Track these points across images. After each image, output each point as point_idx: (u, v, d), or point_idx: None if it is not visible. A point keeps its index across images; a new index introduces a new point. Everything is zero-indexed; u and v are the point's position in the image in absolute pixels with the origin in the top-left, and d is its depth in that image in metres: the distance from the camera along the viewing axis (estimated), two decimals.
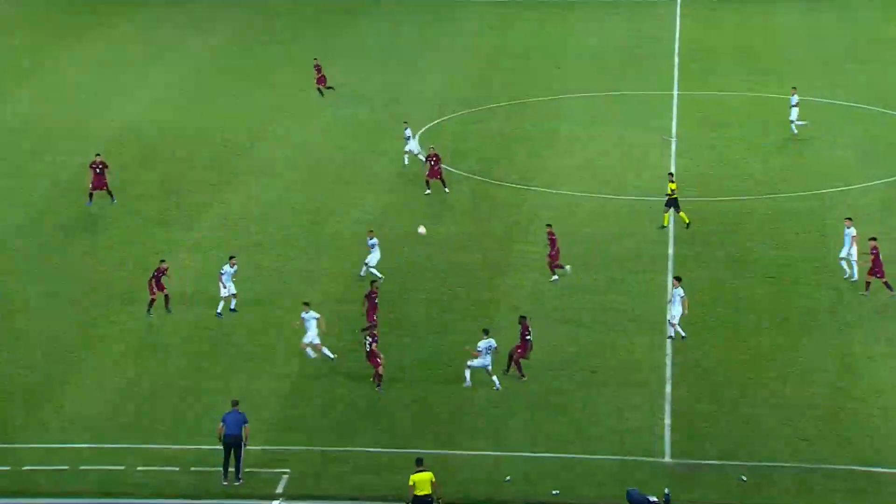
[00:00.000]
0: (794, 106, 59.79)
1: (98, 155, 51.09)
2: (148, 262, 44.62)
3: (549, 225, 45.76)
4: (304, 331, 39.23)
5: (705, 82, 69.01)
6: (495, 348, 37.81)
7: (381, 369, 38.02)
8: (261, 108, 65.37)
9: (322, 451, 34.85)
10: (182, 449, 34.58)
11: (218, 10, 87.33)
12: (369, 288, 41.62)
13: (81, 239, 48.48)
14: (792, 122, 59.86)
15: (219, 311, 42.01)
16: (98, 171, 50.26)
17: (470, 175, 55.75)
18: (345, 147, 59.63)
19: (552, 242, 45.14)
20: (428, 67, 73.14)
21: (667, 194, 49.49)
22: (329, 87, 65.58)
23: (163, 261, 42.99)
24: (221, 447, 33.15)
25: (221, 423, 33.31)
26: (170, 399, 37.32)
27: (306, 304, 39.84)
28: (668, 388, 38.04)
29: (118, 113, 63.60)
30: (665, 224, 49.32)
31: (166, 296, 42.17)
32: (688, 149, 58.90)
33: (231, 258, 42.90)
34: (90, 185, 50.33)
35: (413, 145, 56.42)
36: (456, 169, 56.53)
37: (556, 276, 45.01)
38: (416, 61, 74.52)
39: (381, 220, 50.38)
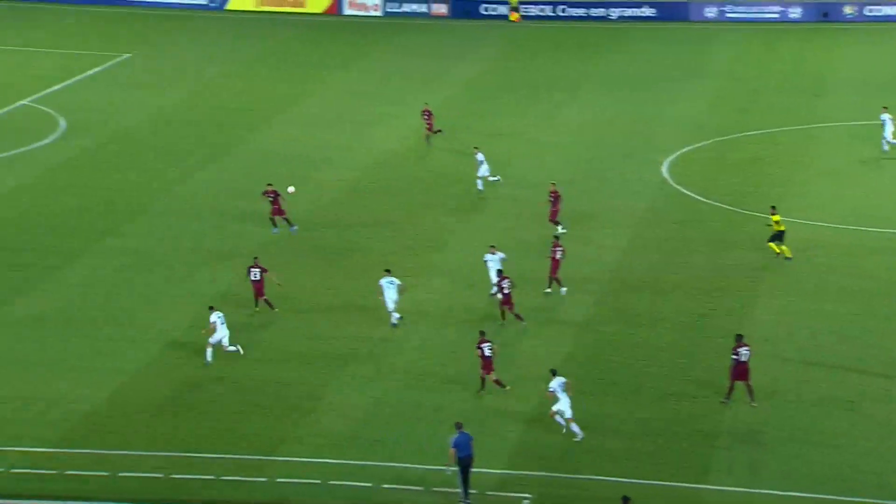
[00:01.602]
0: (887, 124, 59.88)
1: (270, 185, 52.70)
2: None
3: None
4: (212, 332, 40.95)
5: None
6: (566, 382, 36.85)
7: (493, 374, 38.69)
8: (514, 133, 66.41)
9: (564, 477, 35.04)
10: (427, 469, 35.24)
11: (473, 41, 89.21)
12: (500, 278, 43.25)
13: (338, 260, 49.94)
14: (885, 139, 59.76)
15: (393, 321, 43.47)
16: (271, 199, 51.92)
17: (722, 205, 55.25)
18: (591, 174, 60.05)
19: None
20: (682, 94, 72.85)
21: (768, 225, 48.91)
22: (437, 131, 63.81)
23: (256, 258, 44.93)
24: (455, 469, 33.78)
25: (453, 448, 33.88)
26: (416, 419, 38.15)
27: (211, 307, 41.72)
28: None
29: (376, 140, 65.31)
30: (780, 253, 48.54)
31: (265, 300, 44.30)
32: None
33: (387, 271, 43.93)
34: (270, 212, 52.02)
35: (484, 170, 56.52)
36: (707, 199, 56.14)
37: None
38: (670, 87, 74.36)
39: (624, 258, 50.58)
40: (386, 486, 34.75)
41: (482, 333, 39.71)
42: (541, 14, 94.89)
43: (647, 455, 36.09)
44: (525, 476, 35.18)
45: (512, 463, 35.72)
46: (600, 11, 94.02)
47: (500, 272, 44.23)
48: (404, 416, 38.33)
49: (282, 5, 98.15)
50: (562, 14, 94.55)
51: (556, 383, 36.93)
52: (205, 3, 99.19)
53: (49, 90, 74.09)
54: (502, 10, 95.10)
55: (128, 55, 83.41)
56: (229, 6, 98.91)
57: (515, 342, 42.94)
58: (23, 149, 62.91)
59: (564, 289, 46.05)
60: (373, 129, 65.79)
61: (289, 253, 50.46)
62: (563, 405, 36.72)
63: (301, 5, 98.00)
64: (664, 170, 60.18)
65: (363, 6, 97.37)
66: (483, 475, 34.28)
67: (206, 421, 38.01)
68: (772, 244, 48.94)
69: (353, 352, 42.37)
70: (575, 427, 36.73)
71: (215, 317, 41.25)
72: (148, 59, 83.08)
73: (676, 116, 68.55)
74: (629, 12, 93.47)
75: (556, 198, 52.14)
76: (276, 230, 52.00)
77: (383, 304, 43.70)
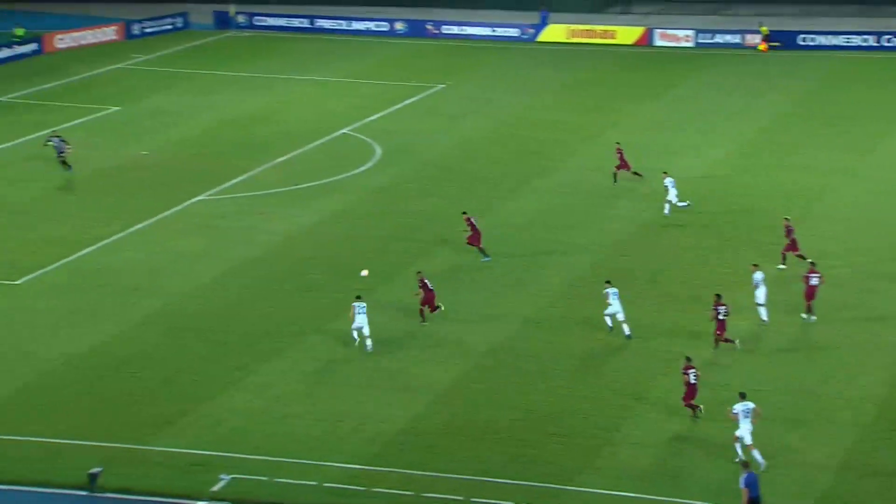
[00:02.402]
0: None
1: (465, 213, 53.66)
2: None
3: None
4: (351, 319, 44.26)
5: None
6: (753, 409, 36.23)
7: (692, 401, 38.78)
8: (828, 166, 64.77)
9: None
10: None
11: (788, 72, 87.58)
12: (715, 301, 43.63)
13: (645, 289, 49.78)
14: None
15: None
16: (471, 227, 52.91)
17: None
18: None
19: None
20: None
21: None
22: (635, 173, 62.52)
23: (419, 272, 46.91)
24: None
25: (745, 487, 33.17)
26: (714, 455, 37.32)
27: (358, 297, 44.71)
28: None
29: (681, 171, 64.46)
30: None
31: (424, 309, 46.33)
32: None
33: (607, 282, 45.56)
34: (469, 240, 53.05)
35: (673, 195, 57.21)
36: None
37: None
38: None
39: None
40: None
41: (688, 359, 39.48)
42: (862, 44, 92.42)
43: None
44: None
45: None
46: None
47: (718, 297, 43.79)
48: (702, 452, 37.65)
49: (592, 37, 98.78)
50: (887, 45, 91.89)
51: (740, 407, 36.34)
52: (517, 35, 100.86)
53: (367, 119, 76.82)
54: (821, 40, 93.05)
55: (442, 86, 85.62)
56: (541, 38, 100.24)
57: (826, 378, 41.78)
58: (343, 175, 65.40)
59: (814, 317, 45.48)
60: (678, 160, 65.39)
61: (595, 282, 50.69)
62: (744, 430, 36.10)
63: (611, 37, 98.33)
64: None
65: (674, 37, 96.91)
66: None
67: (504, 445, 38.35)
68: None
69: (652, 383, 42.09)
70: (757, 454, 36.00)
71: (356, 306, 44.13)
72: (461, 89, 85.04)
73: None
74: None
75: (789, 231, 51.05)
76: (486, 258, 52.82)
77: (609, 315, 45.02)
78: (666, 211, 57.38)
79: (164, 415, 40.15)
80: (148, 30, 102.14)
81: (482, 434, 39.05)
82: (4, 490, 36.00)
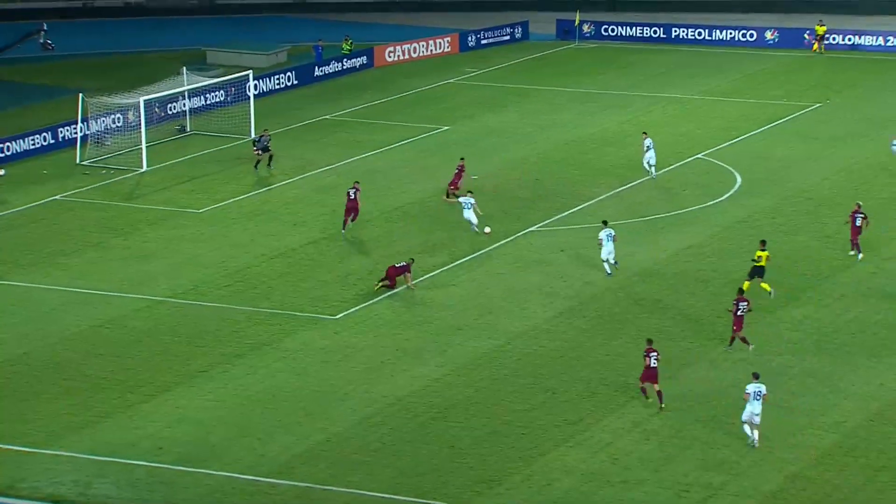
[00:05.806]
0: None
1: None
2: None
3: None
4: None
5: None
6: (764, 395, 40.60)
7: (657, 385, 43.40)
8: None
9: None
10: None
11: None
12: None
13: None
14: None
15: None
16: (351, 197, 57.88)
17: None
18: None
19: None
20: None
21: (753, 261, 52.74)
22: (454, 192, 64.29)
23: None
24: None
25: None
26: None
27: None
28: None
29: None
30: (745, 288, 50.21)
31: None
32: None
33: (604, 222, 55.56)
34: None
35: (649, 157, 65.93)
36: None
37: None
38: None
39: None
40: None
41: (649, 342, 44.11)
42: None
43: None
44: None
45: None
46: None
47: (741, 291, 48.60)
48: None
49: None
50: None
51: (753, 388, 40.66)
52: None
53: (729, 142, 76.45)
54: None
55: (819, 105, 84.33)
56: None
57: None
58: (696, 206, 65.26)
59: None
60: None
61: None
62: (752, 409, 40.50)
63: None
64: None
65: None
66: None
67: None
68: (761, 283, 51.81)
69: None
70: (755, 433, 40.70)
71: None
72: (843, 109, 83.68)
73: None
74: None
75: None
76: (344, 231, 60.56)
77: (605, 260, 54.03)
78: (653, 174, 66.48)
79: (489, 471, 41.01)
80: (484, 41, 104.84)
81: None
82: None
